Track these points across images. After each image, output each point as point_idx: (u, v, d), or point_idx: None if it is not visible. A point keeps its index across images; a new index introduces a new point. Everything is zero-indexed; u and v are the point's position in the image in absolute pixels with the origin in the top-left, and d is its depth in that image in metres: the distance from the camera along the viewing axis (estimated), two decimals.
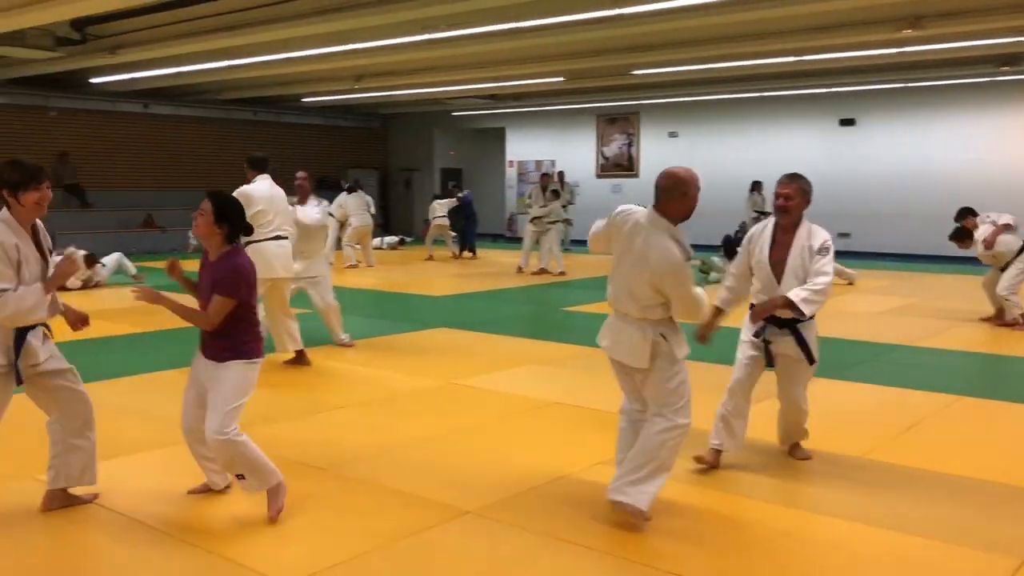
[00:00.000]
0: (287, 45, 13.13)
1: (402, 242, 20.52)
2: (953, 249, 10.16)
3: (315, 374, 7.13)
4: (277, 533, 3.78)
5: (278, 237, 6.99)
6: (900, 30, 11.45)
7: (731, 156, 19.03)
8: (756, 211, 16.14)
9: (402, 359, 7.73)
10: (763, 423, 5.10)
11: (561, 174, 16.47)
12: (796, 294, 4.41)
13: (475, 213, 18.40)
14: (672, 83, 18.04)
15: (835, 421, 5.66)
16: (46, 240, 4.01)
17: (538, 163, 22.50)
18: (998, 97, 16.65)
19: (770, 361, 4.70)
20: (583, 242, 15.46)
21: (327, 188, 18.78)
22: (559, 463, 4.81)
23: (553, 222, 14.79)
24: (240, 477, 3.89)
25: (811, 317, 4.60)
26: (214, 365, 3.91)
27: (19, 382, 3.92)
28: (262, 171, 7.04)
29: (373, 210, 16.02)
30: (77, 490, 4.11)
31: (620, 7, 10.28)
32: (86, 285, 12.34)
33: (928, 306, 10.93)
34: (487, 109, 22.52)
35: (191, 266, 4.18)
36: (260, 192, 6.93)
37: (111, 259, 13.07)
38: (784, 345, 4.64)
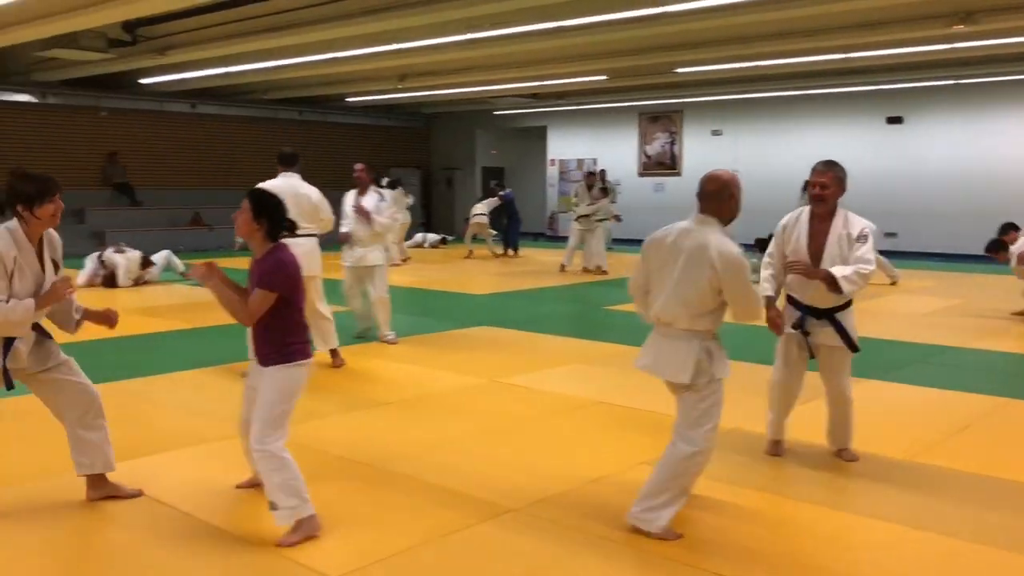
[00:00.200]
0: (332, 45, 13.28)
1: (443, 241, 20.61)
2: None
3: (358, 371, 7.20)
4: (323, 528, 3.82)
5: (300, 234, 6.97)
6: (951, 26, 11.25)
7: (775, 155, 18.83)
8: None
9: (445, 357, 7.78)
10: (810, 424, 5.05)
11: (603, 172, 16.44)
12: (840, 270, 4.38)
13: (517, 212, 18.42)
14: (716, 81, 17.90)
15: (882, 423, 5.58)
16: (54, 252, 4.02)
17: (579, 162, 22.47)
18: None
19: (811, 353, 4.68)
20: (625, 241, 15.46)
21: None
22: (601, 462, 4.81)
23: (600, 220, 14.72)
24: (273, 508, 3.69)
25: (848, 305, 4.59)
26: (260, 369, 3.83)
27: (9, 386, 3.90)
28: (289, 167, 7.05)
29: (410, 202, 16.19)
30: (122, 482, 4.21)
31: (664, 5, 10.24)
32: (137, 283, 12.59)
33: (977, 307, 10.72)
34: (529, 108, 22.54)
35: (236, 263, 4.23)
36: (276, 188, 6.87)
37: (160, 256, 13.33)
38: (824, 335, 4.62)
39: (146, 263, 12.74)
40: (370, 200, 8.01)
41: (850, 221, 4.54)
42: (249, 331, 4.01)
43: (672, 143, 21.08)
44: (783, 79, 17.37)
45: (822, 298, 4.54)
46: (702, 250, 3.68)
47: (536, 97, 20.87)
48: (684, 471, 3.80)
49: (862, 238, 4.46)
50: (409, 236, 18.30)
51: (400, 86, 17.85)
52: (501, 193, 18.41)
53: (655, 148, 21.38)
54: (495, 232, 18.19)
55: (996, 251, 9.70)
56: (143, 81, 17.34)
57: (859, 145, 18.02)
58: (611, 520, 3.97)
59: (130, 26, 12.83)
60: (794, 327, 4.65)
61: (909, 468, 4.77)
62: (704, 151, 20.25)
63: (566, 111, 22.33)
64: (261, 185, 6.59)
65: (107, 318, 4.13)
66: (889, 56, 14.16)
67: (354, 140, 22.88)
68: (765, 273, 4.78)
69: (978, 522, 4.01)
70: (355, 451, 4.97)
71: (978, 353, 8.04)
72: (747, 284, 3.70)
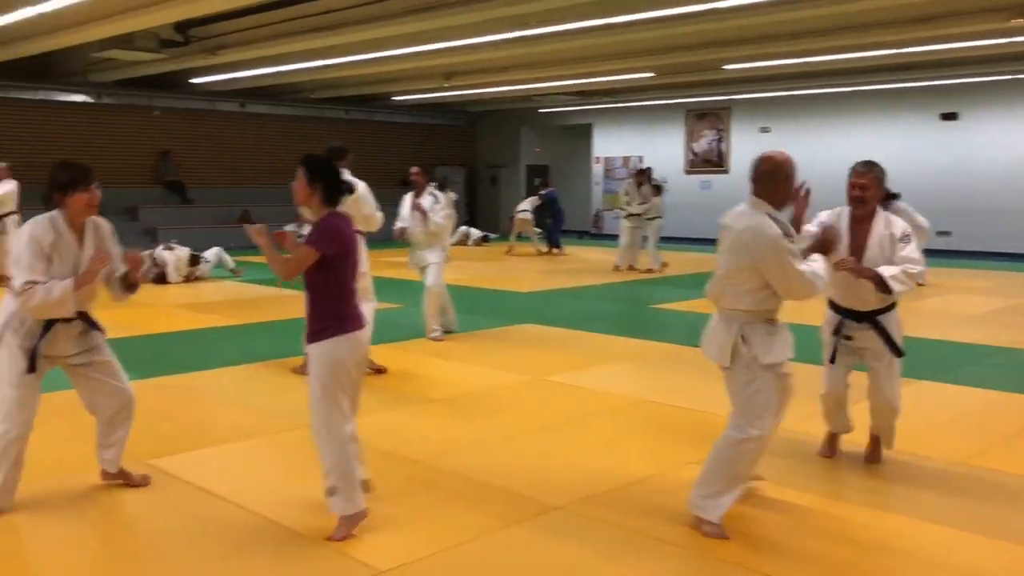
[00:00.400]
0: (379, 44, 13.37)
1: (486, 238, 20.65)
2: None
3: (404, 368, 7.24)
4: (373, 522, 3.85)
5: None
6: (1009, 19, 10.98)
7: (825, 152, 18.46)
8: None
9: (491, 354, 7.80)
10: (859, 426, 4.97)
11: (648, 170, 16.31)
12: (888, 270, 4.28)
13: (561, 210, 18.39)
14: (765, 77, 17.68)
15: (936, 425, 5.48)
16: (101, 238, 4.07)
17: (625, 159, 22.36)
18: None
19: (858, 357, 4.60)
20: (670, 239, 15.34)
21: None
22: (649, 461, 4.79)
23: (653, 218, 14.62)
24: (331, 494, 3.69)
25: (892, 308, 4.47)
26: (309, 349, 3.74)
27: (31, 369, 3.91)
28: (337, 160, 7.07)
29: (454, 198, 16.29)
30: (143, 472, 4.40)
31: (713, 1, 10.14)
32: (188, 279, 12.81)
33: None
34: (574, 105, 22.49)
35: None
36: None
37: (211, 253, 13.55)
38: (866, 339, 4.51)
39: (195, 260, 12.95)
40: (426, 201, 8.32)
41: (892, 221, 4.46)
42: None
43: (719, 140, 20.88)
44: (833, 75, 17.10)
45: (863, 300, 4.43)
46: (742, 232, 3.71)
47: (581, 95, 20.81)
48: (733, 458, 3.78)
49: (905, 238, 4.38)
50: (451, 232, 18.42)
51: (446, 85, 17.92)
52: (542, 192, 18.43)
53: (702, 145, 21.19)
54: (539, 230, 18.18)
55: None
56: (194, 81, 17.63)
57: (912, 142, 17.67)
58: (658, 520, 3.95)
59: (182, 27, 13.06)
60: (834, 332, 4.55)
61: (963, 471, 4.67)
62: (752, 148, 19.76)
63: (612, 108, 22.24)
64: None
65: (133, 262, 4.12)
66: (944, 51, 13.85)
67: (399, 139, 23.02)
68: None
69: None
70: (402, 447, 5.01)
71: None
72: (785, 263, 3.64)
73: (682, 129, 21.48)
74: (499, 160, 24.79)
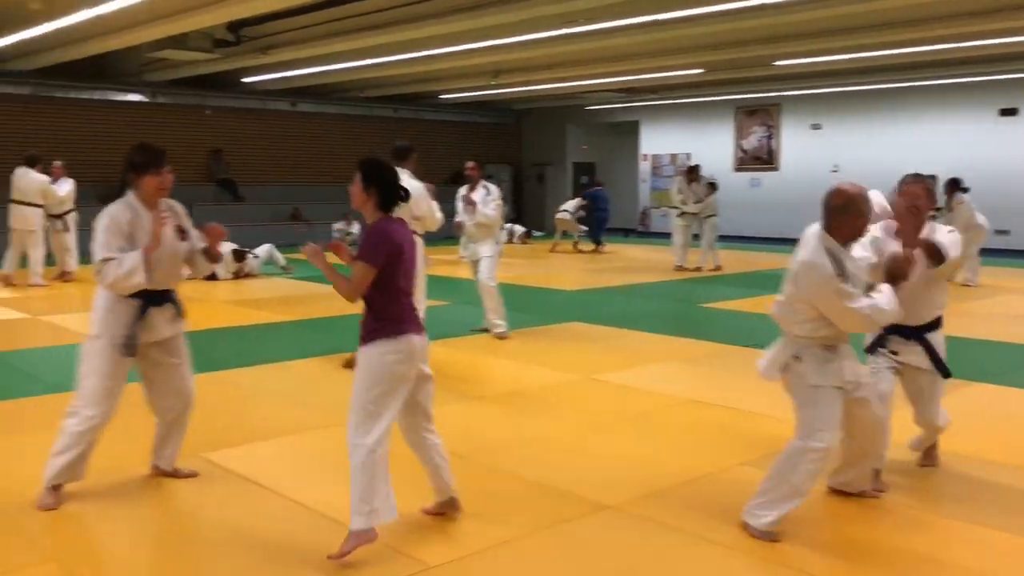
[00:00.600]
0: (427, 43, 13.44)
1: (529, 235, 20.65)
2: None
3: (452, 365, 7.26)
4: (423, 518, 3.88)
5: None
6: None
7: (878, 150, 18.19)
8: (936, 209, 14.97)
9: (537, 352, 7.79)
10: (906, 431, 4.88)
11: (697, 167, 16.16)
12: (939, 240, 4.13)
13: (605, 208, 18.32)
14: (816, 73, 17.40)
15: (989, 427, 5.36)
16: (177, 218, 4.23)
17: (672, 157, 22.19)
18: None
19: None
20: (718, 238, 15.18)
21: (460, 183, 19.08)
22: (699, 462, 4.75)
23: (708, 216, 14.48)
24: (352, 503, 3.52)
25: (938, 325, 4.33)
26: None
27: (132, 353, 4.04)
28: (399, 160, 7.12)
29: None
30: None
31: None
32: (237, 275, 12.99)
33: None
34: (621, 103, 22.38)
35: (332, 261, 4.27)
36: None
37: (263, 250, 13.72)
38: (912, 355, 4.32)
39: (239, 256, 13.02)
40: (478, 194, 8.48)
41: (937, 230, 4.33)
42: None
43: (769, 137, 20.62)
44: (887, 71, 16.78)
45: (917, 315, 4.27)
46: (798, 265, 3.72)
47: (629, 92, 20.69)
48: (793, 469, 3.74)
49: (950, 232, 4.29)
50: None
51: (493, 83, 17.95)
52: (584, 193, 18.51)
53: (751, 142, 20.95)
54: (585, 228, 18.21)
55: None
56: (246, 80, 17.90)
57: (969, 139, 17.27)
58: (710, 520, 3.92)
59: (234, 27, 13.26)
60: (879, 345, 4.38)
61: (1018, 474, 4.56)
62: (802, 145, 19.74)
63: (659, 105, 22.08)
64: None
65: (214, 234, 4.27)
66: (1004, 45, 13.50)
67: (446, 137, 23.11)
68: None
69: None
70: (451, 444, 4.96)
71: None
72: (834, 303, 3.61)
73: (731, 126, 21.26)
74: (545, 158, 24.76)
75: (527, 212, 24.44)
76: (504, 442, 5.12)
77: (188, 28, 12.16)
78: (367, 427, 3.47)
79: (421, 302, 7.26)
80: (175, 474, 4.41)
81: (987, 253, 12.68)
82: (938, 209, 12.84)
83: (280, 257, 13.79)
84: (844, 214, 3.69)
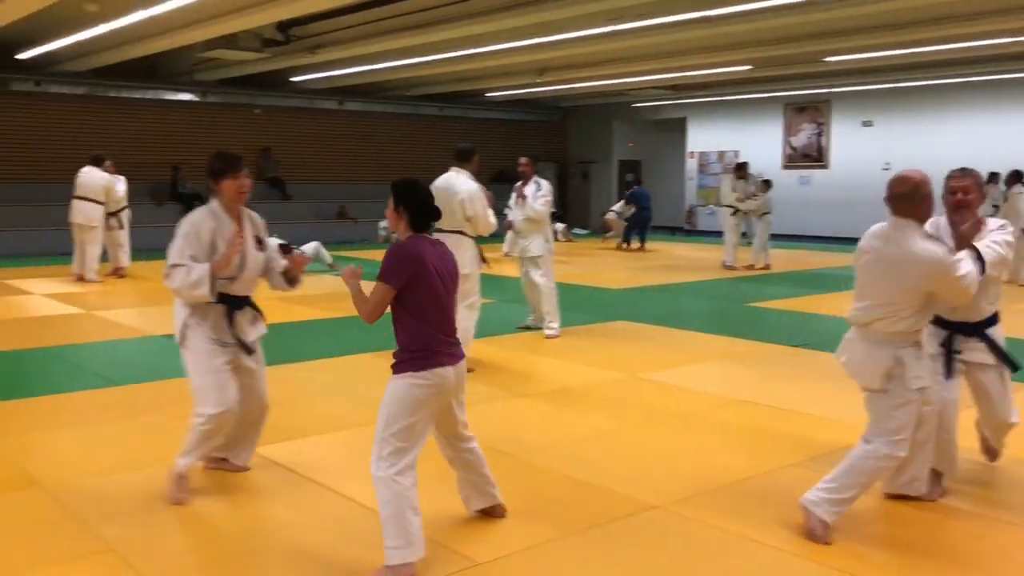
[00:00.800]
0: (473, 41, 13.48)
1: (571, 232, 20.61)
2: None
3: (498, 363, 7.28)
4: (469, 515, 3.90)
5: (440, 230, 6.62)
6: None
7: (931, 148, 17.82)
8: (994, 205, 14.48)
9: (583, 351, 7.78)
10: (967, 432, 4.78)
11: (745, 164, 16.02)
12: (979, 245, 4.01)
13: (647, 207, 18.24)
14: (867, 69, 17.13)
15: None
16: (256, 228, 4.35)
17: (720, 154, 21.99)
18: None
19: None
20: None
21: (505, 180, 19.12)
22: (746, 463, 4.70)
23: (763, 214, 14.33)
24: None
25: (996, 321, 4.24)
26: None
27: (248, 352, 4.25)
28: (459, 162, 7.09)
29: None
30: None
31: None
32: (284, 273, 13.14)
33: None
34: (668, 100, 22.22)
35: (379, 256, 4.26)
36: (436, 183, 6.77)
37: (310, 247, 13.85)
38: (977, 353, 4.23)
39: (285, 250, 13.13)
40: (529, 189, 8.52)
41: (986, 224, 4.22)
42: None
43: (819, 134, 20.33)
44: (940, 66, 16.45)
45: (978, 310, 4.17)
46: (905, 255, 3.67)
47: (675, 88, 20.54)
48: (860, 468, 3.73)
49: (1000, 229, 4.14)
50: None
51: (539, 80, 17.94)
52: (626, 193, 18.75)
53: (801, 140, 20.68)
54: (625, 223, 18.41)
55: None
56: (294, 79, 18.12)
57: (1022, 135, 16.85)
58: (756, 522, 3.88)
59: (283, 26, 13.44)
60: (941, 345, 4.26)
61: None
62: (853, 143, 19.44)
63: (706, 102, 21.88)
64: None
65: (298, 263, 4.46)
66: None
67: (492, 134, 23.16)
68: None
69: None
70: (496, 441, 5.03)
71: None
72: (956, 278, 3.65)
73: (780, 123, 21.00)
74: (590, 156, 24.68)
75: (572, 210, 24.39)
76: (550, 440, 5.12)
77: (238, 28, 12.35)
78: (392, 460, 3.37)
79: (472, 308, 7.02)
80: (230, 468, 4.49)
81: None
82: (995, 207, 12.50)
83: (327, 255, 13.93)
84: (912, 200, 3.71)
